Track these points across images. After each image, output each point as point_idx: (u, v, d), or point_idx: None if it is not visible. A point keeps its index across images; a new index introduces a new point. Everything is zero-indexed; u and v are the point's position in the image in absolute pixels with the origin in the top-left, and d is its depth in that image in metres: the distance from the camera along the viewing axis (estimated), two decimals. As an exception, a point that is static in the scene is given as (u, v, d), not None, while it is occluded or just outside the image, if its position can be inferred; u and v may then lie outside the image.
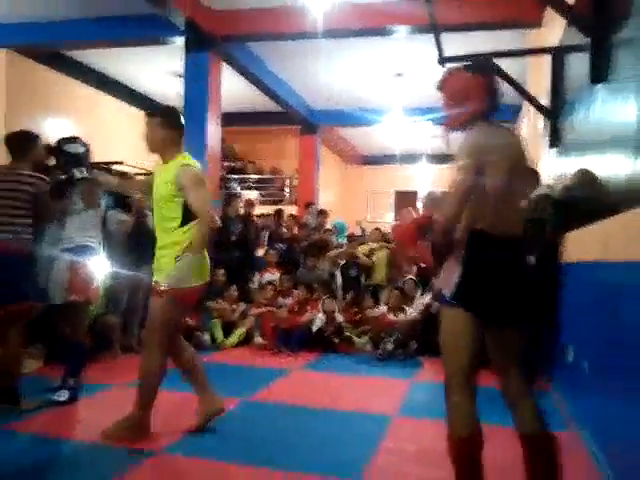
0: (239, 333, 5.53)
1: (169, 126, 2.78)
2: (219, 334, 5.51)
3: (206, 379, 3.01)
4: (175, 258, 2.69)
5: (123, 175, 7.16)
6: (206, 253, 2.85)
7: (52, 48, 7.71)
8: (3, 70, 7.25)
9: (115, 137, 9.33)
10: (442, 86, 2.12)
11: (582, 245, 3.25)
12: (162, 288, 2.72)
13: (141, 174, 8.08)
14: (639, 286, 2.16)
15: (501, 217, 1.88)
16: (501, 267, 1.86)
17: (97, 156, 7.57)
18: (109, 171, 6.50)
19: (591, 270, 3.13)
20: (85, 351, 3.57)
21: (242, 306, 5.77)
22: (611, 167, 2.68)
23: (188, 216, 2.73)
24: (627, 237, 2.28)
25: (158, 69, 8.65)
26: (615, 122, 2.60)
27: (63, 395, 3.35)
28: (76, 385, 3.42)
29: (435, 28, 4.26)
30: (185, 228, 2.73)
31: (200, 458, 2.62)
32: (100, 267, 4.84)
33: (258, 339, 5.48)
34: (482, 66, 2.10)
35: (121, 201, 5.23)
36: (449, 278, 1.92)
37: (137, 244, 5.04)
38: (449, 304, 1.91)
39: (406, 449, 2.83)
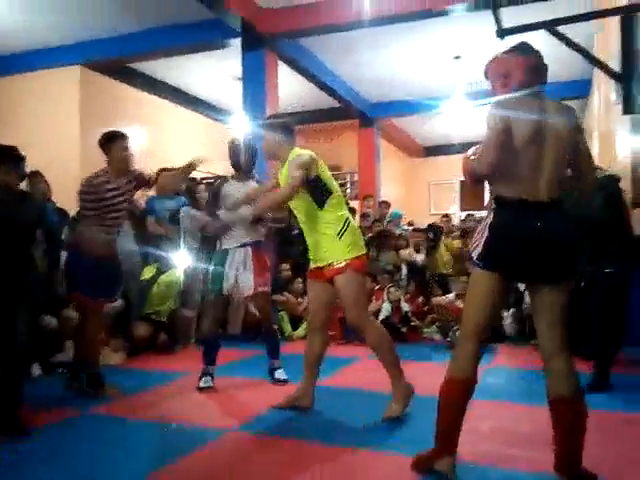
0: (306, 325, 5.57)
1: (280, 131, 3.01)
2: (287, 327, 5.59)
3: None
4: (337, 235, 2.86)
5: (192, 179, 7.45)
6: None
7: (118, 61, 8.13)
8: (77, 86, 7.72)
9: (182, 145, 9.72)
10: (486, 73, 2.25)
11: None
12: (340, 265, 2.85)
13: (208, 178, 8.38)
14: None
15: (524, 183, 2.05)
16: (521, 229, 2.03)
17: (166, 163, 7.98)
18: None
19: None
20: (276, 334, 3.96)
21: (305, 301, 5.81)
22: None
23: (321, 198, 2.89)
24: None
25: (219, 74, 8.90)
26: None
27: (282, 374, 3.72)
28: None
29: (497, 2, 4.08)
30: (327, 209, 2.90)
31: (273, 436, 2.72)
32: (180, 262, 5.10)
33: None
34: (523, 47, 2.18)
35: (192, 199, 5.44)
36: (478, 242, 2.11)
37: (209, 240, 5.23)
38: (476, 265, 2.11)
39: (480, 429, 2.77)
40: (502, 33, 4.23)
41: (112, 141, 3.41)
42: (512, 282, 2.17)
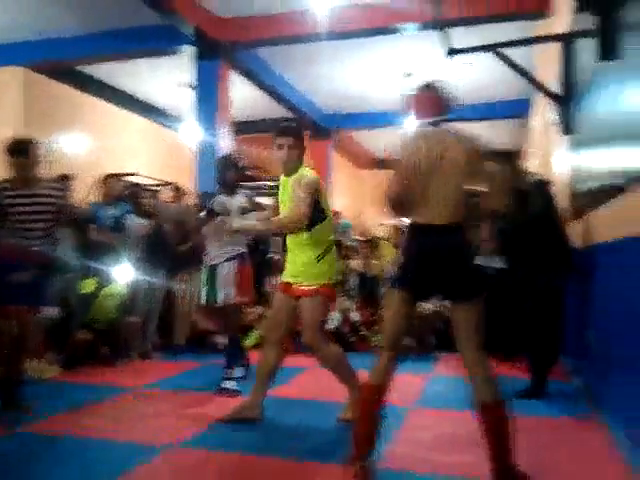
0: (256, 335, 5.52)
1: (295, 144, 2.96)
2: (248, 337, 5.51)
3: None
4: (316, 259, 2.92)
5: (136, 185, 7.27)
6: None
7: (64, 64, 7.86)
8: (21, 87, 7.41)
9: (128, 149, 9.47)
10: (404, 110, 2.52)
11: (594, 228, 3.19)
12: (310, 288, 2.92)
13: (153, 185, 8.20)
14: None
15: (422, 209, 2.25)
16: (418, 251, 2.25)
17: (111, 168, 7.77)
18: (122, 180, 6.63)
19: (607, 252, 3.07)
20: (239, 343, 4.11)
21: (258, 309, 5.77)
22: (629, 150, 2.62)
23: (314, 220, 2.88)
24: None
25: (169, 80, 8.77)
26: (630, 103, 2.55)
27: (230, 384, 3.72)
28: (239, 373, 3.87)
29: (442, 22, 4.25)
30: (314, 232, 2.92)
31: (220, 451, 2.65)
32: (122, 274, 4.95)
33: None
34: (424, 85, 2.44)
35: (135, 205, 5.29)
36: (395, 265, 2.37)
37: (154, 249, 5.11)
38: (391, 284, 2.40)
39: (422, 438, 2.84)
40: (451, 52, 4.41)
41: (12, 150, 3.27)
42: (421, 299, 2.40)
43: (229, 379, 3.76)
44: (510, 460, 2.15)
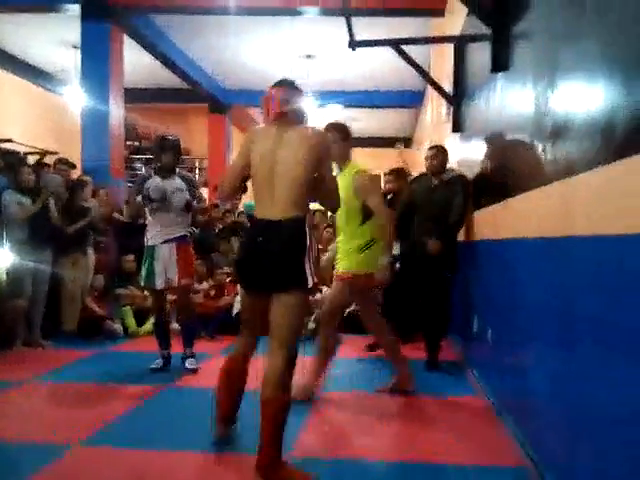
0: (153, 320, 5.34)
1: (343, 139, 3.18)
2: (131, 322, 5.29)
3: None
4: (359, 250, 3.20)
5: (13, 154, 6.57)
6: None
7: None
8: None
9: (4, 113, 8.51)
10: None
11: (478, 225, 3.52)
12: (346, 275, 3.21)
13: (34, 153, 7.47)
14: (524, 260, 2.40)
15: (261, 204, 2.30)
16: (248, 245, 2.37)
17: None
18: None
19: (486, 247, 3.41)
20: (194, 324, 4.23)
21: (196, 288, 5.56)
22: (510, 152, 2.91)
23: (367, 217, 3.19)
24: (512, 218, 2.52)
25: (51, 39, 7.96)
26: (513, 109, 2.82)
27: (192, 363, 3.91)
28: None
29: (347, 12, 4.31)
30: (365, 226, 3.21)
31: (123, 448, 2.54)
32: (4, 253, 4.50)
33: (174, 325, 5.33)
34: (278, 81, 2.49)
35: (16, 178, 4.79)
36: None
37: (38, 229, 4.69)
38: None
39: (329, 423, 2.95)
40: (354, 45, 4.51)
41: None
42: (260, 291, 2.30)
43: (187, 357, 3.95)
44: (279, 452, 2.20)
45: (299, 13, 6.57)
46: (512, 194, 2.72)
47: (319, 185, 2.32)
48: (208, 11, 6.55)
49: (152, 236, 3.80)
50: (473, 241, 3.92)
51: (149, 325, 5.18)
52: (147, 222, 3.89)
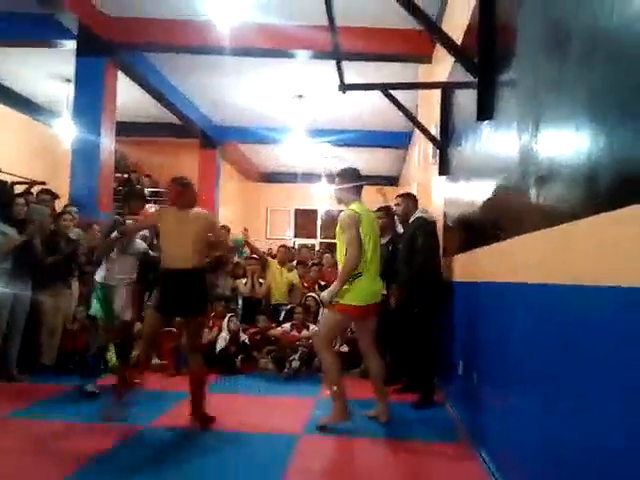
0: (135, 354, 5.23)
1: (345, 183, 3.69)
2: (112, 356, 5.17)
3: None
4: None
5: (3, 184, 6.53)
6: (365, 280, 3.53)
7: None
8: None
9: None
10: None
11: (470, 266, 3.55)
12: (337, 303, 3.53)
13: (22, 183, 7.43)
14: (517, 303, 2.42)
15: (172, 258, 3.43)
16: (169, 286, 3.47)
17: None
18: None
19: (470, 289, 3.44)
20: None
21: (137, 325, 5.48)
22: (494, 198, 2.97)
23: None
24: (495, 262, 2.55)
25: (45, 72, 8.06)
26: (499, 155, 2.90)
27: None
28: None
29: (338, 56, 4.45)
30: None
31: None
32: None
33: (155, 360, 5.23)
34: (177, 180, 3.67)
35: (6, 211, 4.75)
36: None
37: (21, 259, 4.62)
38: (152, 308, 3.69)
39: (314, 468, 2.86)
40: (344, 88, 4.63)
41: None
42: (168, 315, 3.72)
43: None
44: (204, 406, 3.49)
45: (291, 56, 6.75)
46: (496, 239, 2.77)
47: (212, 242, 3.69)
48: (201, 50, 6.70)
49: (114, 277, 4.27)
50: (458, 282, 3.95)
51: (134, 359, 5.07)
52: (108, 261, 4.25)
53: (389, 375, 4.63)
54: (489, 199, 3.07)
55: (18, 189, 6.66)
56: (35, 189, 6.48)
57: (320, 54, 6.46)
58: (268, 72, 7.75)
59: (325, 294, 3.55)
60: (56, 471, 2.66)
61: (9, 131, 8.93)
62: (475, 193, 3.50)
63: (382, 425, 3.58)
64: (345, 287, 3.45)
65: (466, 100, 3.68)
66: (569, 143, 1.87)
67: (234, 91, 8.64)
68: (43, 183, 6.83)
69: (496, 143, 2.95)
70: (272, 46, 6.56)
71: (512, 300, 2.50)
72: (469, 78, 3.36)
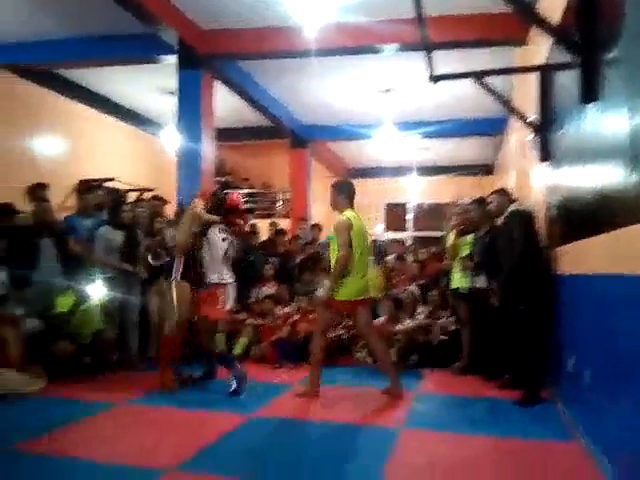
0: (242, 343, 5.53)
1: (339, 193, 4.33)
2: (222, 346, 5.52)
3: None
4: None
5: (116, 191, 7.18)
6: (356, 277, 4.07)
7: (45, 67, 7.74)
8: (-5, 89, 7.25)
9: (108, 154, 9.36)
10: None
11: (581, 257, 3.36)
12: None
13: (133, 190, 8.12)
14: (636, 297, 2.27)
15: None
16: None
17: (90, 173, 7.63)
18: (102, 188, 6.56)
19: (591, 282, 3.24)
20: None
21: (243, 315, 5.78)
22: (603, 183, 2.79)
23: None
24: (624, 252, 2.39)
25: (149, 86, 8.71)
26: (607, 138, 2.72)
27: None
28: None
29: (427, 47, 4.37)
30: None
31: (210, 475, 2.65)
32: (102, 283, 4.94)
33: (257, 351, 5.50)
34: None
35: (115, 215, 5.25)
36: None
37: (130, 260, 5.08)
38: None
39: (416, 462, 2.86)
40: (435, 79, 4.54)
41: None
42: None
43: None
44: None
45: (378, 51, 6.73)
46: (610, 227, 2.60)
47: None
48: (289, 54, 6.89)
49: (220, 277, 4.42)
50: (565, 275, 3.75)
51: (239, 348, 5.40)
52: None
53: (493, 371, 4.53)
54: (598, 185, 2.89)
55: (131, 196, 7.30)
56: (146, 195, 7.06)
57: (407, 46, 6.38)
58: (354, 69, 7.78)
59: (320, 293, 4.30)
60: (170, 455, 2.88)
61: (119, 142, 9.74)
62: (582, 179, 3.31)
63: (486, 421, 3.51)
64: (338, 285, 3.99)
65: (568, 82, 3.48)
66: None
67: (322, 90, 8.78)
68: (152, 190, 7.42)
69: (604, 126, 2.77)
70: (358, 44, 6.58)
71: (630, 293, 2.35)
72: (571, 59, 3.17)
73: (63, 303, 4.83)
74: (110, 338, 5.01)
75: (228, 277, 4.38)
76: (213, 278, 4.29)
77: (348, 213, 4.14)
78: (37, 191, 5.33)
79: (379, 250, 7.28)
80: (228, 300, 4.39)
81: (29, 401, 3.89)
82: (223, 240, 4.34)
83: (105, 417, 3.63)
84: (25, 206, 5.31)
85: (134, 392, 4.21)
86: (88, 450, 2.96)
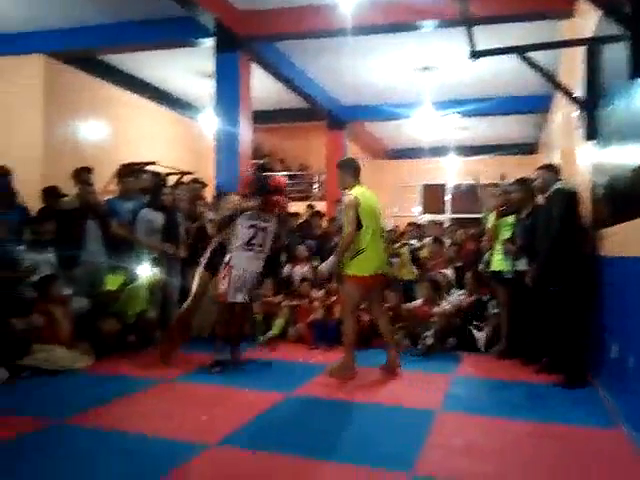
0: (279, 324, 5.62)
1: (344, 172, 4.32)
2: (261, 327, 5.63)
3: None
4: (350, 257, 4.07)
5: (157, 175, 7.34)
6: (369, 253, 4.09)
7: (86, 52, 7.91)
8: (41, 75, 7.46)
9: (148, 138, 9.54)
10: None
11: (631, 240, 3.22)
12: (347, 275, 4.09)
13: (172, 173, 8.28)
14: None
15: None
16: None
17: (130, 158, 7.84)
18: (143, 172, 6.71)
19: (627, 265, 3.12)
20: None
21: (279, 297, 5.86)
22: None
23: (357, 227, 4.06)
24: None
25: (188, 70, 8.79)
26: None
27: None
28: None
29: (467, 22, 4.23)
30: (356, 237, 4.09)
31: (251, 450, 2.72)
32: (145, 271, 5.09)
33: (293, 332, 5.58)
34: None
35: (156, 198, 5.37)
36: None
37: (169, 241, 5.21)
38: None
39: (454, 444, 2.85)
40: (476, 55, 4.40)
41: None
42: None
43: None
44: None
45: (416, 28, 6.57)
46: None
47: None
48: (326, 34, 6.80)
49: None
50: (611, 257, 3.61)
51: (276, 329, 5.49)
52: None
53: (531, 355, 4.45)
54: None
55: (171, 179, 7.45)
56: (185, 178, 7.19)
57: (447, 22, 6.20)
58: (392, 47, 7.63)
59: (323, 267, 4.51)
60: (212, 430, 2.97)
61: (159, 127, 9.90)
62: (630, 159, 3.17)
63: (524, 405, 3.47)
64: (352, 261, 4.02)
65: (617, 56, 3.31)
66: None
67: (359, 70, 8.65)
68: (191, 173, 7.55)
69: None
70: (396, 20, 6.44)
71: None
72: (620, 31, 3.02)
73: (113, 282, 5.02)
74: (153, 318, 5.18)
75: (242, 263, 4.27)
76: (225, 260, 4.30)
77: (356, 190, 4.15)
78: (82, 174, 5.50)
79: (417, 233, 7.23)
80: (244, 286, 4.31)
81: (78, 377, 4.09)
82: (250, 227, 4.28)
83: (150, 393, 3.77)
84: (70, 190, 5.52)
85: (180, 370, 4.35)
86: (135, 424, 3.09)
